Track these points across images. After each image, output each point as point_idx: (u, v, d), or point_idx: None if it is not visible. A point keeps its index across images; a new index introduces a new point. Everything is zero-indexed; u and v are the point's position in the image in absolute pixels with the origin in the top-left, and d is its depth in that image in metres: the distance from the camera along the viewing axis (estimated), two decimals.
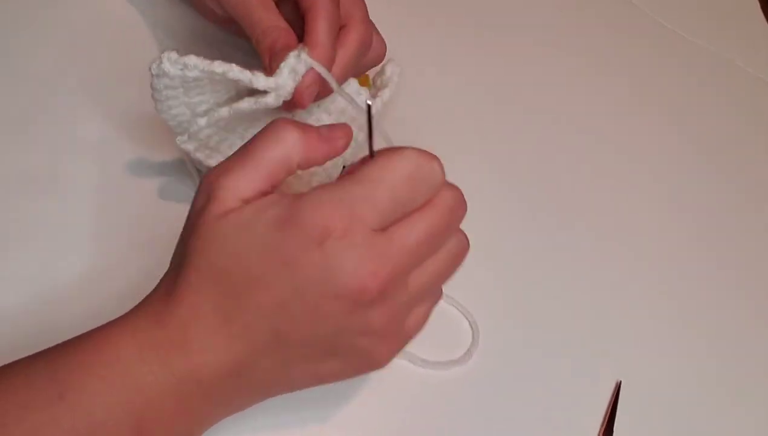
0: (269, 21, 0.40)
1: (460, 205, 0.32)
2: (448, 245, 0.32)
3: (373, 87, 0.48)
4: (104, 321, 0.31)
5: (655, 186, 0.55)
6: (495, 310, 0.45)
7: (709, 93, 0.63)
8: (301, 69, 0.38)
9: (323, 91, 0.40)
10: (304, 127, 0.32)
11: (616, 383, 0.44)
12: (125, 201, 0.43)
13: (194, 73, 0.37)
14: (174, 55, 0.36)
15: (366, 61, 0.44)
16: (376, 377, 0.41)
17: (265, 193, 0.31)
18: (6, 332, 0.37)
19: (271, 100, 0.38)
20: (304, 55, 0.38)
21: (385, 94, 0.45)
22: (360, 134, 0.43)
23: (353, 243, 0.29)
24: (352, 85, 0.44)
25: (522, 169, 0.53)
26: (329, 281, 0.29)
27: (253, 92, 0.39)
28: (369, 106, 0.31)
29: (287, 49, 0.38)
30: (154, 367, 0.30)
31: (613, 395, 0.44)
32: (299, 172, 0.33)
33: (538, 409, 0.42)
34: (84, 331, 0.31)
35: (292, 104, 0.39)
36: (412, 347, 0.41)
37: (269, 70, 0.39)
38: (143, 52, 0.45)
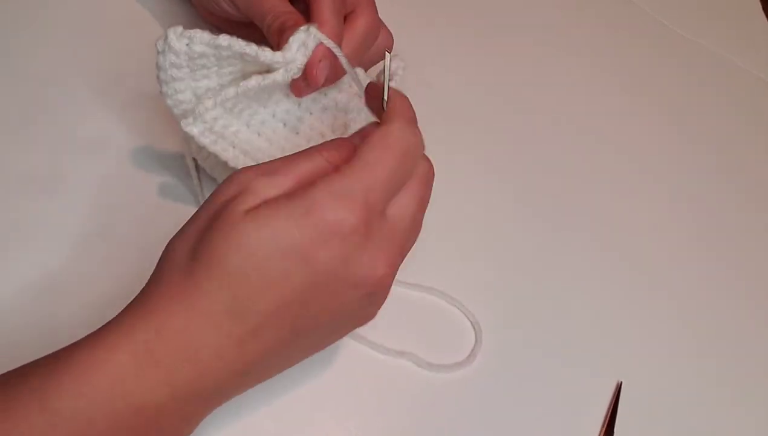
0: (280, 7, 0.40)
1: (432, 173, 0.34)
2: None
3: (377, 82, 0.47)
4: (104, 322, 0.30)
5: (655, 186, 0.55)
6: (497, 311, 0.45)
7: (709, 93, 0.63)
8: (311, 44, 0.37)
9: (332, 74, 0.40)
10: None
11: (617, 384, 0.44)
12: (125, 201, 0.43)
13: (200, 47, 0.36)
14: (179, 29, 0.36)
15: (373, 52, 0.44)
16: (380, 379, 0.41)
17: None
18: (6, 332, 0.37)
19: (279, 76, 0.37)
20: (313, 30, 0.37)
21: None
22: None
23: (369, 234, 0.30)
24: (360, 74, 0.43)
25: (522, 169, 0.53)
26: (348, 273, 0.30)
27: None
28: (389, 59, 0.33)
29: (296, 27, 0.37)
30: (154, 382, 0.28)
31: (613, 395, 0.44)
32: None
33: (538, 409, 0.42)
34: (84, 331, 0.30)
35: (300, 87, 0.39)
36: (417, 349, 0.42)
37: (279, 48, 0.38)
38: (143, 52, 0.44)
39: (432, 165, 0.33)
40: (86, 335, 0.30)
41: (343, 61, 0.38)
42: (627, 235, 0.51)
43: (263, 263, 0.29)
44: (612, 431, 0.42)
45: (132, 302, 0.30)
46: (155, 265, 0.32)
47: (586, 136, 0.56)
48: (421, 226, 0.34)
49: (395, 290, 0.43)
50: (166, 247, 0.32)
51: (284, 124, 0.42)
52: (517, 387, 0.43)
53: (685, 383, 0.46)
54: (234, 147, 0.39)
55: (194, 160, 0.43)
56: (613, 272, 0.49)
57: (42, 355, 0.30)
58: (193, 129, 0.38)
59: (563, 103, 0.58)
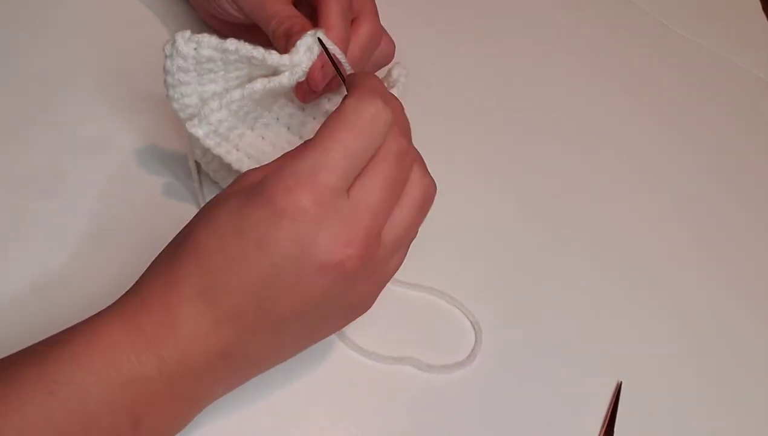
0: (285, 12, 0.40)
1: (407, 151, 0.32)
2: (412, 192, 0.33)
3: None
4: None
5: (655, 186, 0.55)
6: (497, 311, 0.45)
7: (709, 93, 0.63)
8: (317, 49, 0.37)
9: (335, 81, 0.40)
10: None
11: (617, 384, 0.44)
12: (125, 201, 0.43)
13: (207, 51, 0.36)
14: (188, 33, 0.36)
15: (375, 60, 0.44)
16: (380, 379, 0.41)
17: None
18: (6, 331, 0.37)
19: (285, 79, 0.37)
20: (321, 34, 0.38)
21: None
22: None
23: (323, 215, 0.29)
24: None
25: (522, 169, 0.53)
26: (307, 256, 0.29)
27: None
28: (321, 42, 0.32)
29: (303, 32, 0.38)
30: (143, 356, 0.30)
31: (613, 395, 0.44)
32: None
33: (538, 409, 0.42)
34: None
35: (305, 92, 0.39)
36: (417, 349, 0.42)
37: (284, 52, 0.38)
38: (144, 52, 0.44)
39: (405, 143, 0.32)
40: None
41: (346, 67, 0.38)
42: (627, 235, 0.51)
43: (223, 242, 0.30)
44: (612, 431, 0.42)
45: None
46: None
47: (586, 136, 0.56)
48: (400, 207, 0.32)
49: (395, 290, 0.44)
50: None
51: (288, 128, 0.42)
52: (517, 387, 0.43)
53: (685, 383, 0.46)
54: (238, 150, 0.40)
55: (196, 163, 0.43)
56: (613, 272, 0.49)
57: None
58: (198, 131, 0.38)
59: (563, 103, 0.58)
